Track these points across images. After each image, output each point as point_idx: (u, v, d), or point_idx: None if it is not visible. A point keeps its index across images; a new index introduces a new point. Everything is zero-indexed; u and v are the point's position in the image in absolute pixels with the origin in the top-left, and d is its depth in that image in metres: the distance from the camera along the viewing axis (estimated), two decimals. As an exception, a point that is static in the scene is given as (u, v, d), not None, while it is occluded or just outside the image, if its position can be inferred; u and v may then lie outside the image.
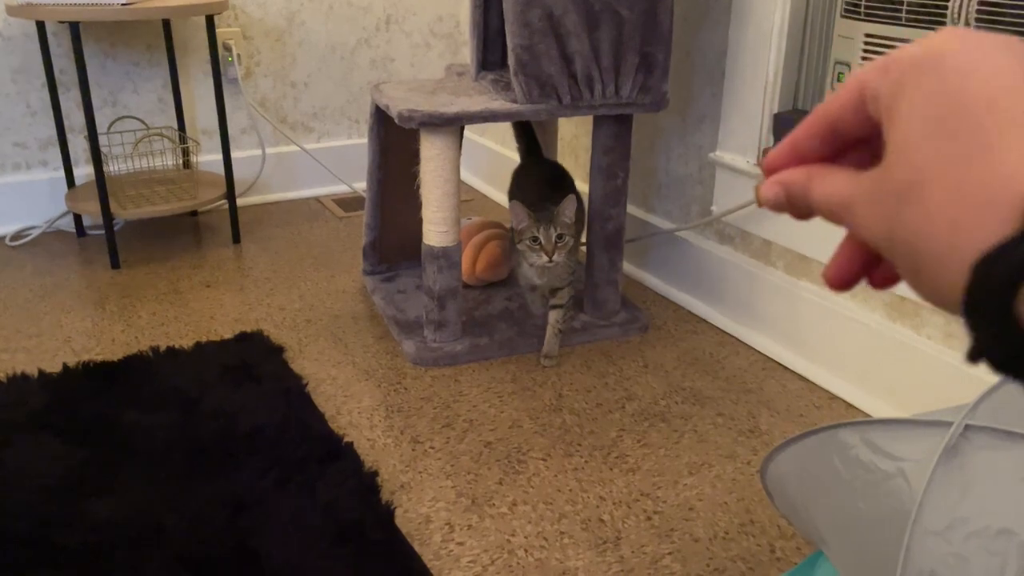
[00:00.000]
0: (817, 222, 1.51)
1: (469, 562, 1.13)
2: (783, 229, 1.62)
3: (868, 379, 1.49)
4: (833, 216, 0.35)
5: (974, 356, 0.28)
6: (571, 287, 1.64)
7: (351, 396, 1.53)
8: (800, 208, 0.37)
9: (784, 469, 0.95)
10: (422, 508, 1.23)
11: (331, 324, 1.81)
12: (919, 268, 0.30)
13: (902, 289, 1.41)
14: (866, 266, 0.36)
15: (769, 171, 0.38)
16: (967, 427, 0.73)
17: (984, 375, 1.18)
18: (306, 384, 1.54)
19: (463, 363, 1.64)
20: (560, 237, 1.48)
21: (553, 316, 1.64)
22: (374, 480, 1.26)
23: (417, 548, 1.14)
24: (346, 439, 1.37)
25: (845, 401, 1.51)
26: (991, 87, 0.28)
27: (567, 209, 1.49)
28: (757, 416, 1.48)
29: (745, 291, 1.73)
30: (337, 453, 1.31)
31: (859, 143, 0.36)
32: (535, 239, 1.48)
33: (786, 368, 1.63)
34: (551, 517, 1.22)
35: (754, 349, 1.70)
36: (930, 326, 1.39)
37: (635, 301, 1.85)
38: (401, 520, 1.19)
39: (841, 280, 0.37)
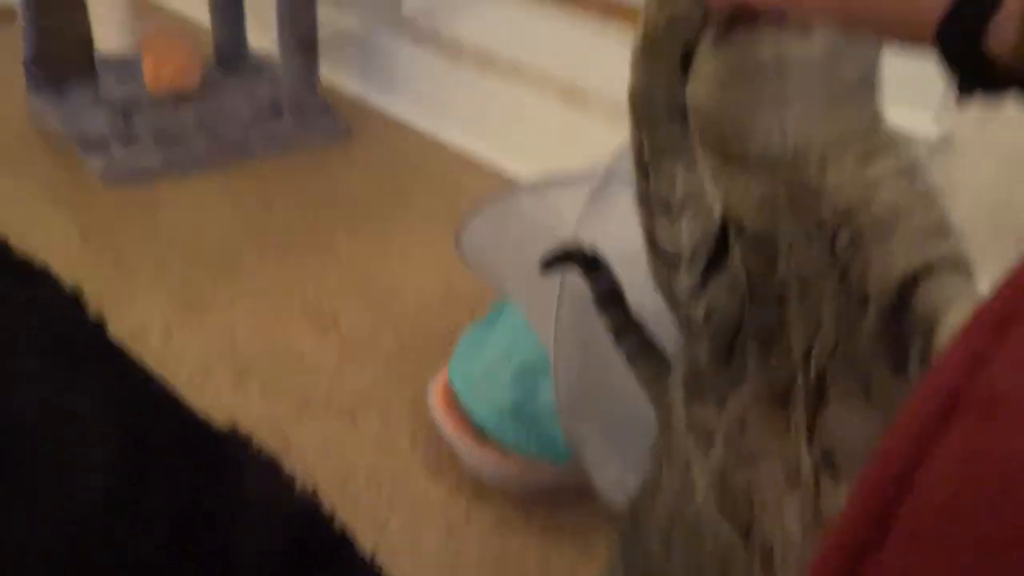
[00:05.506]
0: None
1: (196, 356, 1.17)
2: (474, 24, 1.71)
3: (551, 163, 1.68)
4: None
5: (963, 90, 0.35)
6: None
7: (38, 219, 1.43)
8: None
9: (476, 239, 1.09)
10: (135, 317, 1.23)
11: (-2, 148, 1.64)
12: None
13: (575, 79, 1.58)
14: None
15: None
16: (610, 176, 0.89)
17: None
18: (-20, 211, 1.41)
19: (160, 179, 1.59)
20: None
21: None
22: (79, 297, 1.23)
23: (140, 351, 1.15)
24: (40, 261, 1.30)
25: (530, 186, 1.69)
26: None
27: None
28: (457, 207, 1.62)
29: (437, 89, 1.82)
30: (31, 275, 1.25)
31: None
32: None
33: (480, 162, 1.77)
34: (271, 310, 1.28)
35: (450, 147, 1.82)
36: (597, 111, 1.59)
37: (336, 107, 1.87)
38: (116, 330, 1.19)
39: None
